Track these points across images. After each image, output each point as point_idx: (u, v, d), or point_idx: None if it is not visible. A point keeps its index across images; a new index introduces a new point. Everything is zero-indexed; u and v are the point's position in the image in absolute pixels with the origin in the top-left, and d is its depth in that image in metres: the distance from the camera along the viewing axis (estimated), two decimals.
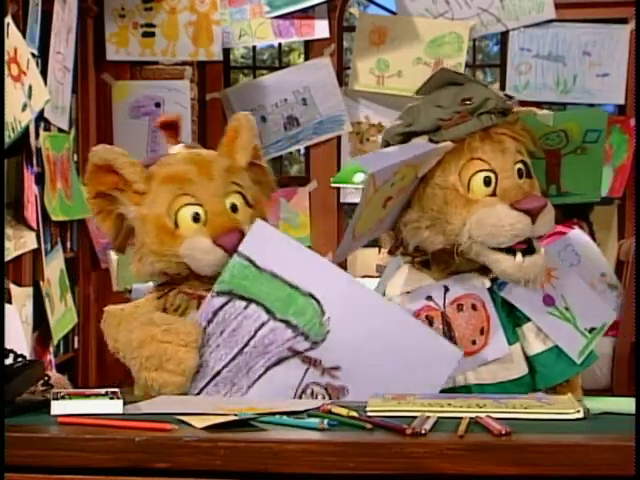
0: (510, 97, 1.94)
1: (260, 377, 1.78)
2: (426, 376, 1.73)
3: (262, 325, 1.78)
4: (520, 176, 1.88)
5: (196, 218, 1.89)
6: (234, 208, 1.94)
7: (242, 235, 1.87)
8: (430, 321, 1.89)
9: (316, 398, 1.75)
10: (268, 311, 1.78)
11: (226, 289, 1.81)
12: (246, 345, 1.78)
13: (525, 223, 1.80)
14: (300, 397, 1.76)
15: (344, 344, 1.76)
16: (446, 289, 1.90)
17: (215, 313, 1.81)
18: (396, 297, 1.94)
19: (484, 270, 1.90)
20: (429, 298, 1.91)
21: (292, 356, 1.77)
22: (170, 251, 1.89)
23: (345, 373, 1.75)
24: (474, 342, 1.88)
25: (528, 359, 1.92)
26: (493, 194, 1.85)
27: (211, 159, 1.98)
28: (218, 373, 1.79)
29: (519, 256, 1.82)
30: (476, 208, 1.83)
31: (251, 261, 1.80)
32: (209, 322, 1.81)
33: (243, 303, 1.80)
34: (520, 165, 1.89)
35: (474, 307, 1.89)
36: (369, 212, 1.82)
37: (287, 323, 1.77)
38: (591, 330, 1.95)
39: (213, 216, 1.90)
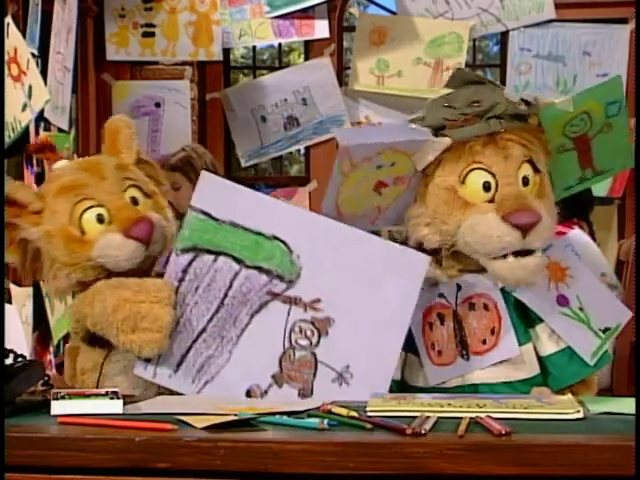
0: (528, 103, 1.89)
1: (247, 326, 1.79)
2: (402, 285, 1.77)
3: (236, 275, 1.80)
4: (525, 184, 1.86)
5: (100, 219, 1.89)
6: (135, 201, 1.94)
7: (151, 223, 1.88)
8: (441, 319, 1.90)
9: (305, 335, 1.78)
10: (238, 260, 1.80)
11: (189, 245, 1.81)
12: (225, 297, 1.80)
13: (514, 237, 1.79)
14: (290, 337, 1.78)
15: (319, 276, 1.79)
16: (459, 287, 1.90)
17: (185, 271, 1.81)
18: None
19: None
20: (441, 295, 1.91)
21: (272, 299, 1.79)
22: (83, 258, 1.88)
23: (326, 303, 1.78)
24: (484, 342, 1.88)
25: (541, 359, 1.92)
26: (493, 200, 1.84)
27: (98, 161, 1.99)
28: (204, 329, 1.80)
29: (510, 257, 1.81)
30: (470, 213, 1.83)
31: (207, 214, 1.81)
32: (180, 281, 1.81)
33: (211, 257, 1.81)
34: (527, 173, 1.86)
35: (486, 307, 1.89)
36: (354, 190, 1.84)
37: (259, 269, 1.79)
38: (605, 330, 1.93)
39: (117, 212, 1.89)
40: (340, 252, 1.79)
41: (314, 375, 1.77)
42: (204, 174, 1.87)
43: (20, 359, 1.71)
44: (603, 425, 1.47)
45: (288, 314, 1.79)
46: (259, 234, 1.80)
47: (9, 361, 1.70)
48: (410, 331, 1.90)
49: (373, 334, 1.76)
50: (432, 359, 1.91)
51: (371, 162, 1.80)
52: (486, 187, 1.84)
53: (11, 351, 1.73)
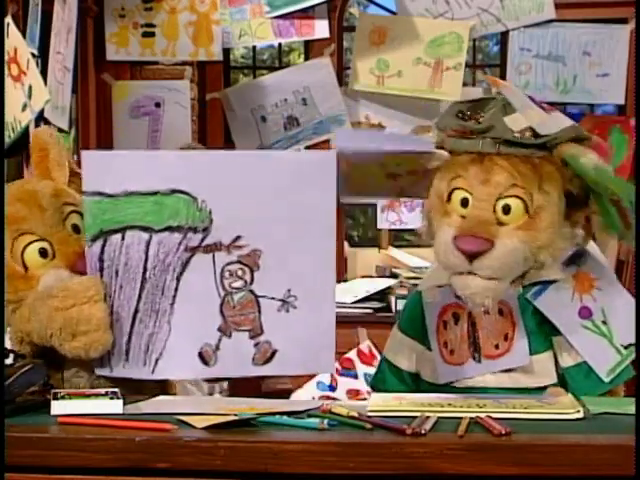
0: (537, 135, 1.80)
1: (177, 290, 1.75)
2: (317, 189, 1.71)
3: (148, 244, 1.75)
4: (506, 212, 1.79)
5: (43, 253, 1.84)
6: (76, 229, 1.89)
7: None
8: (456, 318, 1.90)
9: (237, 276, 1.74)
10: (145, 229, 1.74)
11: (96, 232, 1.75)
12: (145, 270, 1.75)
13: (459, 259, 1.77)
14: (222, 284, 1.74)
15: (231, 212, 1.73)
16: None
17: (101, 260, 1.76)
18: (428, 289, 1.96)
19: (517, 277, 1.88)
20: (458, 296, 1.88)
21: (193, 254, 1.74)
22: (28, 295, 1.82)
23: (248, 237, 1.73)
24: (497, 346, 1.88)
25: (562, 370, 1.90)
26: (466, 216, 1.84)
27: (33, 189, 1.91)
28: (137, 310, 1.76)
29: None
30: (444, 223, 1.84)
31: (100, 193, 1.74)
32: (101, 270, 1.76)
33: (118, 235, 1.75)
34: (510, 202, 1.80)
35: (501, 312, 1.87)
36: (363, 179, 1.87)
37: (169, 229, 1.74)
38: (628, 346, 1.87)
39: (60, 246, 1.85)
40: (245, 179, 1.73)
41: (259, 312, 1.73)
42: (83, 154, 1.78)
43: (20, 359, 1.71)
44: (603, 425, 1.47)
45: (213, 262, 1.74)
46: (156, 194, 1.73)
47: (9, 361, 1.70)
48: (426, 327, 1.93)
49: (302, 248, 1.72)
50: (444, 357, 1.91)
51: (371, 162, 1.80)
52: (464, 203, 1.83)
53: (11, 351, 1.73)
